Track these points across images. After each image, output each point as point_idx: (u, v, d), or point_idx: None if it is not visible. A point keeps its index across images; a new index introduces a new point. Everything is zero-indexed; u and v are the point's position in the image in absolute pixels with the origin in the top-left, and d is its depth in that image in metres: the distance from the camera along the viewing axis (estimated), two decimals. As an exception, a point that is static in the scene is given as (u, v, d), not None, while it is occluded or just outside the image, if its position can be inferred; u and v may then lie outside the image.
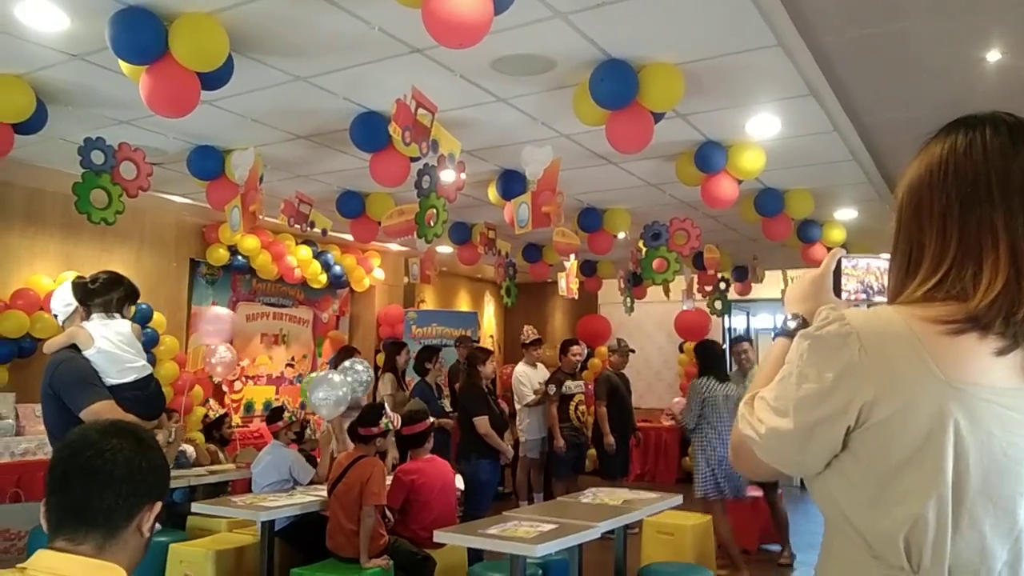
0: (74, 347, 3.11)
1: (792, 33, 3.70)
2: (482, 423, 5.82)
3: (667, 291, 7.84)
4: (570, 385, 7.24)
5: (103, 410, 2.95)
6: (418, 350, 7.36)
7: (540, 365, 7.77)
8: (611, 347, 7.78)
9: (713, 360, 5.80)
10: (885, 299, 1.30)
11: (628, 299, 8.85)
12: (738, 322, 11.80)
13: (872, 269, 1.31)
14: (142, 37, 3.44)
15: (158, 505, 1.58)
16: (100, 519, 1.50)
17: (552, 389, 7.14)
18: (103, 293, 3.23)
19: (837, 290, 1.30)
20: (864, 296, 1.31)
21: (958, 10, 3.55)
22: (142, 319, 6.61)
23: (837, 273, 1.31)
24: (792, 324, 1.30)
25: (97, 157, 4.81)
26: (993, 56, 4.00)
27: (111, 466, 1.53)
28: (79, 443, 1.57)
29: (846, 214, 7.42)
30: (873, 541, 1.05)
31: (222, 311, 7.45)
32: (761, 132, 5.05)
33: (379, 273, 9.67)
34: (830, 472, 1.10)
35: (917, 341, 1.02)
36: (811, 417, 1.07)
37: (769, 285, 9.71)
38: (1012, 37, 3.82)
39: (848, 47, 3.96)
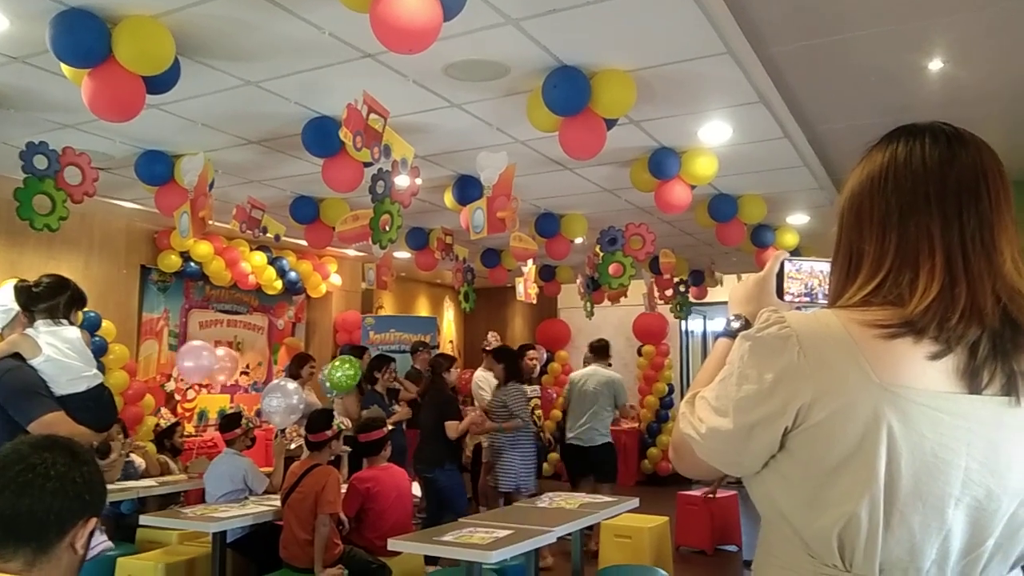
0: (17, 356, 2.94)
1: (741, 42, 3.75)
2: (451, 426, 5.84)
3: (615, 297, 7.85)
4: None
5: (54, 422, 2.82)
6: (371, 358, 7.29)
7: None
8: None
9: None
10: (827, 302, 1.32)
11: (588, 303, 8.90)
12: (695, 325, 11.95)
13: (815, 272, 1.33)
14: (84, 40, 3.35)
15: (93, 521, 1.54)
16: (30, 534, 1.47)
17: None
18: (48, 298, 3.06)
19: (780, 293, 1.32)
20: (807, 299, 1.32)
21: (902, 21, 3.64)
22: (90, 327, 6.45)
23: (780, 276, 1.33)
24: (735, 325, 1.31)
25: (40, 162, 4.68)
26: (935, 65, 4.11)
27: (42, 480, 1.49)
28: (10, 457, 1.53)
29: (798, 219, 7.56)
30: (809, 539, 1.07)
31: (198, 344, 7.21)
32: (713, 138, 5.12)
33: (336, 279, 9.58)
34: (768, 472, 1.12)
35: (854, 345, 1.04)
36: (750, 417, 1.09)
37: (726, 289, 9.84)
38: (952, 47, 3.93)
39: (797, 56, 4.03)
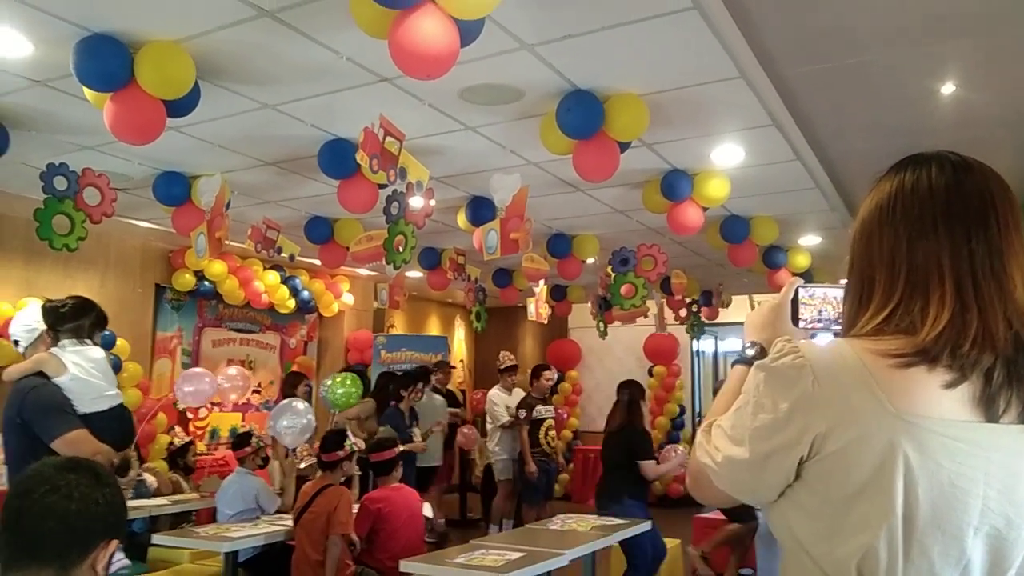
0: (40, 374, 3.00)
1: (754, 65, 3.78)
2: (651, 467, 5.39)
3: (631, 318, 7.82)
4: (540, 410, 7.24)
5: (78, 439, 2.87)
6: (401, 375, 7.27)
7: (516, 390, 7.79)
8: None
9: None
10: (841, 328, 1.34)
11: (601, 323, 8.89)
12: (706, 345, 11.91)
13: (829, 298, 1.34)
14: (107, 64, 3.41)
15: (114, 543, 1.56)
16: (52, 556, 1.48)
17: (523, 413, 7.13)
18: (74, 318, 3.15)
19: (795, 319, 1.33)
20: (821, 325, 1.34)
21: (914, 46, 3.66)
22: (105, 345, 6.44)
23: (795, 302, 1.34)
24: (750, 352, 1.33)
25: (60, 183, 4.74)
26: (947, 89, 4.13)
27: (66, 502, 1.51)
28: (35, 479, 1.55)
29: (810, 240, 7.55)
30: (828, 569, 1.07)
31: (201, 372, 7.12)
32: (725, 161, 5.14)
33: (348, 298, 9.62)
34: (785, 501, 1.12)
35: (868, 374, 1.04)
36: (766, 447, 1.09)
37: (737, 309, 9.82)
38: (964, 71, 3.95)
39: (809, 79, 4.06)
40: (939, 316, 1.05)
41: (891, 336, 1.07)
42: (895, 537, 1.01)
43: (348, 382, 6.65)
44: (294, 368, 9.32)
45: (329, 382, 6.76)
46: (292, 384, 6.78)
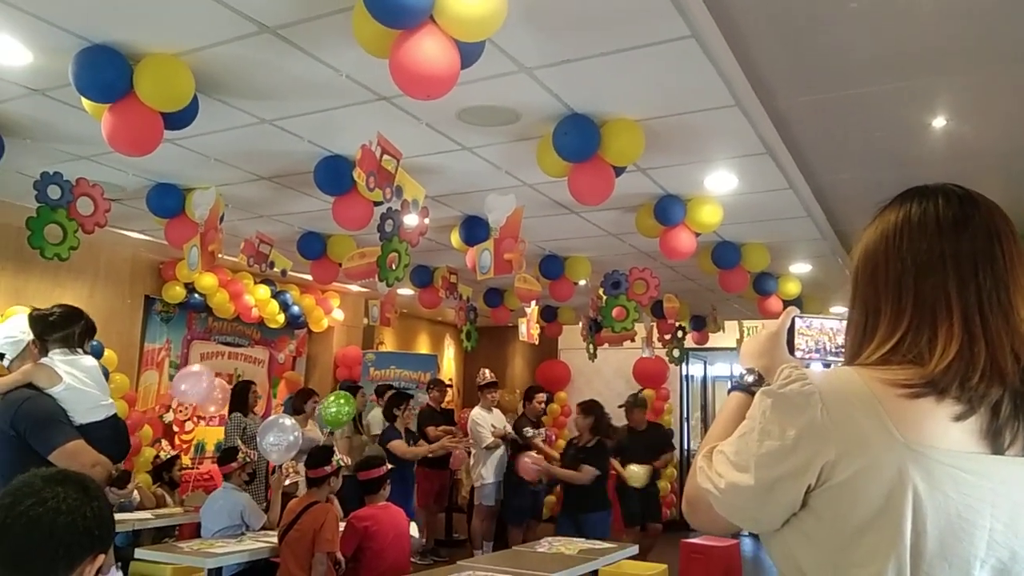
0: (31, 385, 2.90)
1: (749, 95, 3.82)
2: None
3: (617, 340, 7.84)
4: (531, 432, 7.24)
5: (76, 450, 2.80)
6: (389, 395, 7.31)
7: (496, 409, 7.76)
8: (628, 403, 7.61)
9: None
10: (837, 359, 1.35)
11: (591, 345, 8.89)
12: (695, 370, 11.93)
13: (825, 329, 1.36)
14: (107, 75, 3.41)
15: (101, 557, 1.55)
16: (38, 570, 1.47)
17: (530, 431, 7.17)
18: (63, 327, 3.05)
19: (791, 348, 1.34)
20: (816, 355, 1.35)
21: (907, 79, 3.71)
22: (94, 355, 6.44)
23: (791, 331, 1.35)
24: (749, 379, 1.33)
25: (54, 192, 4.73)
26: (939, 122, 4.18)
27: (53, 514, 1.50)
28: (22, 490, 1.54)
29: (801, 268, 7.59)
30: None
31: (198, 369, 7.19)
32: (719, 187, 5.17)
33: (338, 314, 9.60)
34: (789, 529, 1.11)
35: (877, 403, 1.04)
36: (772, 474, 1.08)
37: (726, 334, 9.85)
38: (955, 106, 4.00)
39: (803, 109, 4.10)
40: (947, 348, 1.06)
41: (898, 366, 1.08)
42: (903, 568, 1.00)
43: (342, 401, 6.63)
44: (282, 383, 9.29)
45: (323, 402, 6.79)
46: (302, 399, 6.73)
